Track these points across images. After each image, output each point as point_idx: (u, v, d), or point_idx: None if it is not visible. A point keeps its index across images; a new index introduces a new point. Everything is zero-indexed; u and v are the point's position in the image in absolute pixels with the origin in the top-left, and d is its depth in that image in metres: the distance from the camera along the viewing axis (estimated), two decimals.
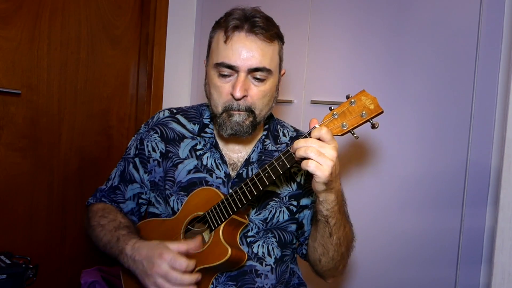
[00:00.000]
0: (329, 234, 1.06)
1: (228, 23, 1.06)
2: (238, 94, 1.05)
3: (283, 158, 0.97)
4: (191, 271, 0.99)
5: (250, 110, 1.09)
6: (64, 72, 1.86)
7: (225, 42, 1.06)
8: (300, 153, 0.93)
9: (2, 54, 1.66)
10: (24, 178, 1.76)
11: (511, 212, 1.34)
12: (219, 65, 1.07)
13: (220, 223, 1.05)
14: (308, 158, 0.92)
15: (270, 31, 1.08)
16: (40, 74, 1.78)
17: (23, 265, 1.49)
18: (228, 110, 1.09)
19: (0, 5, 1.64)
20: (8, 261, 1.50)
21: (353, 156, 1.72)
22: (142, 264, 1.00)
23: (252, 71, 1.06)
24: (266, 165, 0.99)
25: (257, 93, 1.09)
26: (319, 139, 0.93)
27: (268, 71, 1.08)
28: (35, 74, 1.76)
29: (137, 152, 1.24)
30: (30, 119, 1.76)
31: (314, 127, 0.97)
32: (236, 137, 1.13)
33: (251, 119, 1.10)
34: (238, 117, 1.09)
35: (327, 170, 0.92)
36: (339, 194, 1.03)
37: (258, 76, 1.08)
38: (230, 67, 1.06)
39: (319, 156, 0.91)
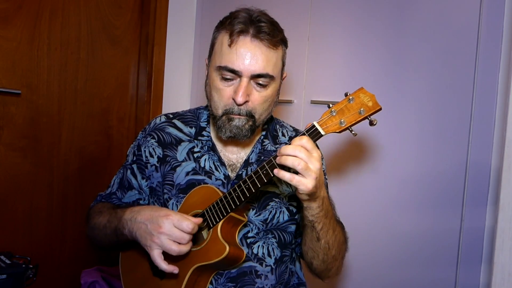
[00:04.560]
0: (316, 238, 1.07)
1: (233, 26, 1.05)
2: (240, 99, 1.05)
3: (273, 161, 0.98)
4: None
5: (250, 115, 1.09)
6: (64, 72, 1.86)
7: (229, 45, 1.05)
8: (286, 162, 0.93)
9: (2, 54, 1.66)
10: (24, 178, 1.76)
11: (511, 212, 1.34)
12: (222, 68, 1.06)
13: (218, 220, 1.05)
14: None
15: (275, 37, 1.07)
16: (40, 74, 1.78)
17: (23, 265, 1.49)
18: (228, 113, 1.09)
19: (0, 5, 1.64)
20: (8, 261, 1.50)
21: (351, 154, 1.72)
22: (145, 224, 1.03)
23: (255, 77, 1.06)
24: (264, 162, 0.99)
25: (258, 99, 1.09)
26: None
27: (271, 77, 1.08)
28: (35, 74, 1.77)
29: (134, 158, 1.24)
30: (30, 119, 1.76)
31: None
32: (235, 139, 1.13)
33: (250, 123, 1.10)
34: (238, 121, 1.09)
35: (310, 183, 0.93)
36: (325, 200, 1.03)
37: (261, 82, 1.07)
38: (233, 71, 1.05)
39: (305, 170, 0.92)
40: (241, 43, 1.05)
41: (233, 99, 1.07)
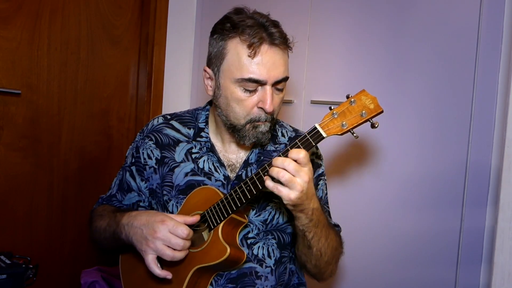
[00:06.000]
0: (308, 246, 1.07)
1: (250, 37, 1.03)
2: (270, 108, 1.06)
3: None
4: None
5: (272, 118, 1.11)
6: (64, 72, 1.86)
7: (249, 56, 1.03)
8: (272, 173, 0.94)
9: (2, 54, 1.66)
10: (24, 178, 1.76)
11: (511, 212, 1.34)
12: (245, 80, 1.04)
13: (219, 222, 1.05)
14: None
15: (286, 39, 1.08)
16: (40, 74, 1.78)
17: (23, 265, 1.48)
18: (253, 121, 1.09)
19: (0, 5, 1.64)
20: (8, 261, 1.50)
21: (352, 156, 1.72)
22: (141, 229, 1.03)
23: (276, 82, 1.07)
24: (266, 164, 0.99)
25: (278, 101, 1.10)
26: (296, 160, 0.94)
27: (287, 78, 1.09)
28: (35, 74, 1.76)
29: (133, 160, 1.24)
30: (30, 119, 1.76)
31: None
32: (256, 144, 1.14)
33: (271, 125, 1.11)
34: (264, 127, 1.10)
35: (293, 194, 0.93)
36: (315, 212, 1.02)
37: (279, 87, 1.08)
38: (258, 81, 1.05)
39: (289, 182, 0.93)
40: (262, 52, 1.04)
41: (261, 107, 1.07)
